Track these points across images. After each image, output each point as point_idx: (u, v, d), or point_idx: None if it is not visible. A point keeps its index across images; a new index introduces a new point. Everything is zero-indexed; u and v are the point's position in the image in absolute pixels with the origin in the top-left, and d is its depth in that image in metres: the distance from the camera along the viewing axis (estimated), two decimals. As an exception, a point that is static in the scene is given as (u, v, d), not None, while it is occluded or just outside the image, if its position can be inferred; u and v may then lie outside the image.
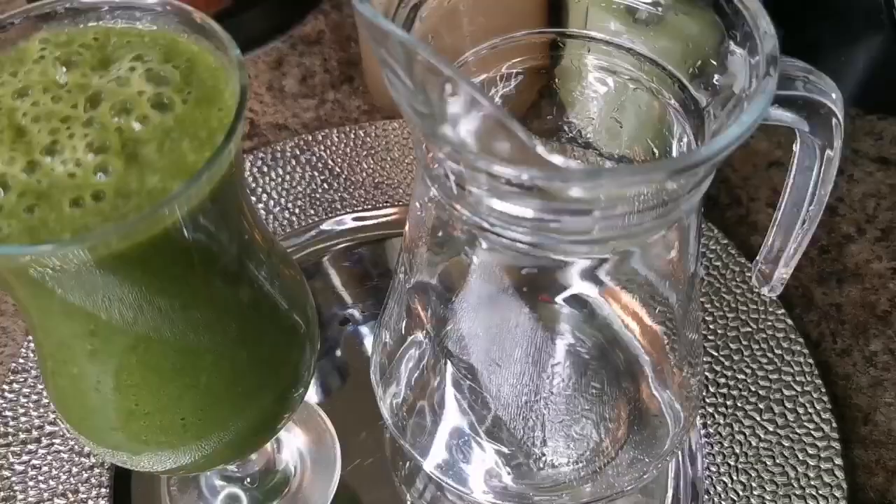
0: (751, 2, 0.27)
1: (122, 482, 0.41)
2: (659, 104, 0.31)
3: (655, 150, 0.33)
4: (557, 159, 0.23)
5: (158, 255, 0.23)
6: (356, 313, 0.47)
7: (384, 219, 0.50)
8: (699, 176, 0.26)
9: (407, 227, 0.34)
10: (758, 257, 0.36)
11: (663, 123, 0.32)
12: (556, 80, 0.33)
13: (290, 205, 0.51)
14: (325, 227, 0.50)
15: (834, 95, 0.28)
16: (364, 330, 0.47)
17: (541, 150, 0.23)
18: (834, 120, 0.28)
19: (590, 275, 0.31)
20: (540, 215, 0.25)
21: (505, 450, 0.36)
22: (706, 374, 0.43)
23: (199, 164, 0.23)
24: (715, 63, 0.29)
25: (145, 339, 0.26)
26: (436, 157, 0.26)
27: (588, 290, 0.32)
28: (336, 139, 0.53)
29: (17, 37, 0.26)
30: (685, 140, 0.31)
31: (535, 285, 0.31)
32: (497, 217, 0.26)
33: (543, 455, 0.36)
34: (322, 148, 0.53)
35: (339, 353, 0.46)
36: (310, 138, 0.53)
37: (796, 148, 0.31)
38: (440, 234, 0.31)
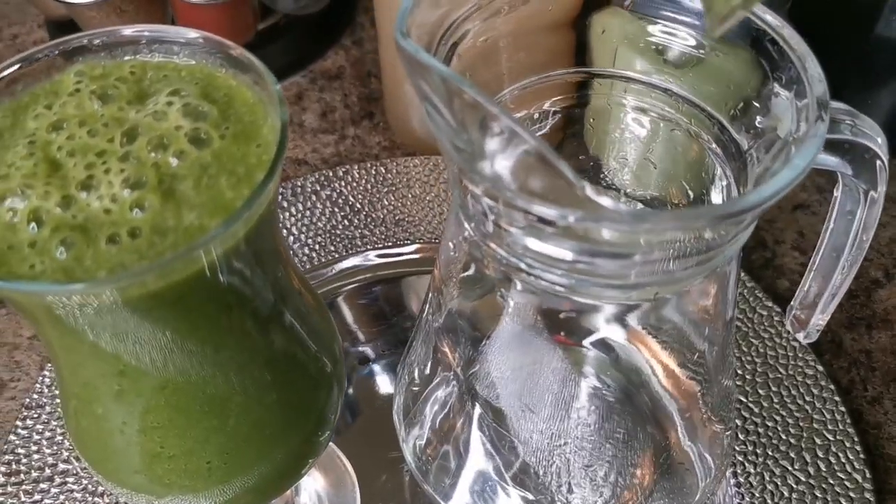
0: (798, 44, 0.26)
1: (135, 524, 0.40)
2: (697, 146, 0.31)
3: (691, 193, 0.32)
4: (606, 201, 0.22)
5: (193, 295, 0.23)
6: (376, 352, 0.47)
7: (406, 256, 0.50)
8: (746, 221, 0.25)
9: (437, 267, 0.33)
10: (792, 302, 0.35)
11: (701, 166, 0.31)
12: (591, 119, 0.33)
13: (309, 241, 0.50)
14: (345, 263, 0.49)
15: (880, 140, 0.27)
16: (384, 369, 0.46)
17: (589, 190, 0.22)
18: (879, 163, 0.28)
19: (626, 320, 0.31)
20: (578, 258, 0.25)
21: (530, 496, 0.35)
22: (736, 421, 0.42)
23: (237, 202, 0.22)
24: (758, 105, 0.28)
25: (174, 380, 0.25)
26: (473, 195, 0.26)
27: (622, 335, 0.31)
28: (357, 175, 0.52)
29: (52, 69, 0.26)
30: (724, 183, 0.30)
31: (568, 329, 0.30)
32: (533, 258, 0.25)
33: (569, 503, 0.35)
34: (343, 184, 0.52)
35: (357, 392, 0.45)
36: (330, 174, 0.52)
37: (837, 193, 0.31)
38: (473, 274, 0.31)
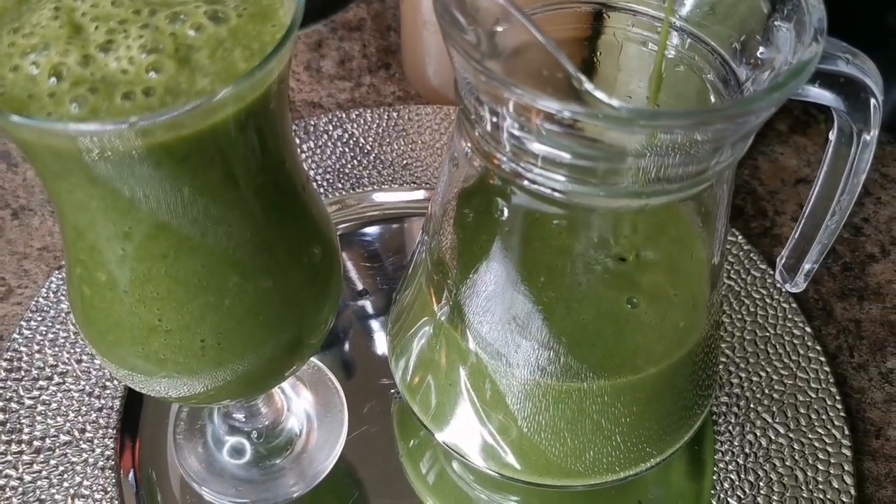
0: (801, -27, 0.27)
1: (129, 425, 0.41)
2: (698, 80, 0.31)
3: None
4: (603, 95, 0.23)
5: (199, 155, 0.24)
6: (374, 286, 0.48)
7: (411, 197, 0.51)
8: (742, 132, 0.26)
9: (434, 198, 0.34)
10: (783, 252, 0.36)
11: (701, 101, 0.32)
12: (599, 53, 0.34)
13: (318, 177, 0.51)
14: (351, 200, 0.50)
15: (876, 79, 0.28)
16: (380, 302, 0.47)
17: (588, 85, 0.23)
18: (873, 102, 0.28)
19: (620, 232, 0.31)
20: (575, 161, 0.26)
21: (514, 426, 0.36)
22: (721, 374, 0.43)
23: (250, 73, 0.23)
24: (759, 38, 0.29)
25: (176, 247, 0.26)
26: (477, 97, 0.27)
27: (617, 248, 0.32)
28: (369, 118, 0.53)
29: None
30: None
31: (563, 240, 0.31)
32: (532, 161, 0.26)
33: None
34: (355, 126, 0.53)
35: (352, 322, 0.46)
36: (343, 116, 0.53)
37: (832, 136, 0.31)
38: (471, 189, 0.31)
